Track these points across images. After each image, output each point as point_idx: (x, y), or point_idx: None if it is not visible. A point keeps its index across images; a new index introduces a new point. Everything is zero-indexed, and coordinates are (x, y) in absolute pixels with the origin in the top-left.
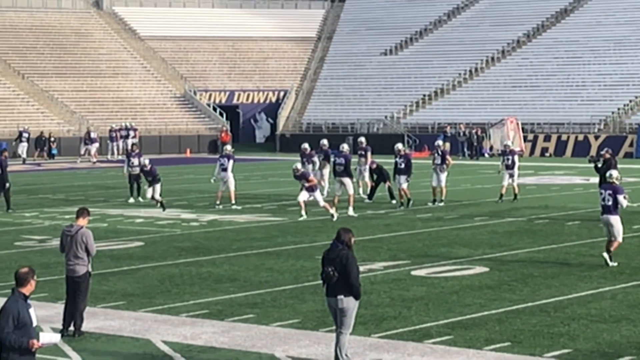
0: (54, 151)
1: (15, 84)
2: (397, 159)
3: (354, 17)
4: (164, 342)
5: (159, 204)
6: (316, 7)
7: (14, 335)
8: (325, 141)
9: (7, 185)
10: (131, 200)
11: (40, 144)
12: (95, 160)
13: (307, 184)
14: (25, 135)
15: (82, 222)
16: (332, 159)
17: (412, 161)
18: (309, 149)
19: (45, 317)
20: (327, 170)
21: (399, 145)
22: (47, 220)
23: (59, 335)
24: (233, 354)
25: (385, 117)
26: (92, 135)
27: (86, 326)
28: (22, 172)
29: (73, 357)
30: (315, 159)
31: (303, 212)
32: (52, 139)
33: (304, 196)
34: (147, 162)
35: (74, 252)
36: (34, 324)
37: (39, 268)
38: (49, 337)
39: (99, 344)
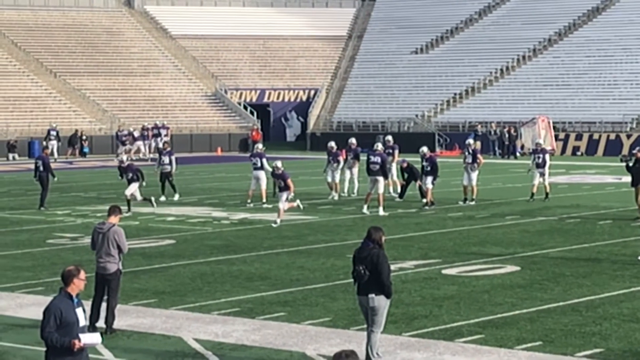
0: (86, 149)
1: (48, 83)
2: (424, 163)
3: (385, 15)
4: (196, 340)
5: (131, 202)
6: (347, 6)
7: (56, 334)
8: (353, 140)
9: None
10: (162, 198)
11: (74, 141)
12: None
13: (283, 184)
14: (54, 133)
15: (114, 220)
16: (365, 158)
17: (439, 162)
18: (335, 147)
19: None
20: (356, 170)
21: (424, 149)
22: (79, 218)
23: (100, 336)
24: (264, 352)
25: (416, 115)
26: (136, 134)
27: (118, 324)
28: (54, 170)
29: (105, 355)
30: (341, 158)
31: (279, 219)
32: (84, 137)
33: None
34: (124, 158)
35: (105, 250)
36: (82, 323)
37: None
38: (90, 337)
39: (131, 341)
